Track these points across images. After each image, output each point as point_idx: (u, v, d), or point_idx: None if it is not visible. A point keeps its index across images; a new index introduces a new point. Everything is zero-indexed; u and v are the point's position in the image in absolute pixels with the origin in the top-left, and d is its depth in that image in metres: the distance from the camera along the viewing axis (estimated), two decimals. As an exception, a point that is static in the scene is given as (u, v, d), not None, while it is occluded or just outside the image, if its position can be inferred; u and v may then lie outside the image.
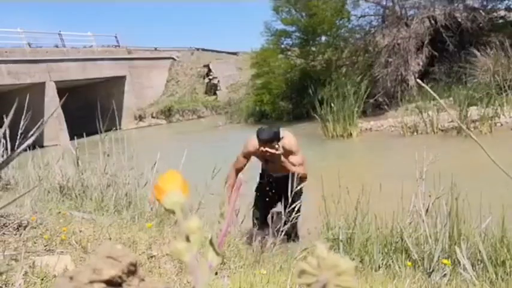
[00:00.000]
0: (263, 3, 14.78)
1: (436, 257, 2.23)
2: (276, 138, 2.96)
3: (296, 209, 2.84)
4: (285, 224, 2.85)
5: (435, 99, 7.82)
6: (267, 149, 2.95)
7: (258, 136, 3.00)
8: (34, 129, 0.66)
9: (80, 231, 2.33)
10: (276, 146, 2.96)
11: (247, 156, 3.18)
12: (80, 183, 3.55)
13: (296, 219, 2.87)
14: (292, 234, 3.11)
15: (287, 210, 2.84)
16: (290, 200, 2.95)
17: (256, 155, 3.18)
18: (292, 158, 3.09)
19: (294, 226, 3.04)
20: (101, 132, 3.78)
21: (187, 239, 0.29)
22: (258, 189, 3.41)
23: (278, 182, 3.22)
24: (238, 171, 3.19)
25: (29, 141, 0.65)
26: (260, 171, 3.46)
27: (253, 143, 3.08)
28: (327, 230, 2.77)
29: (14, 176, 4.02)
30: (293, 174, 3.26)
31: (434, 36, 11.28)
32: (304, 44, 13.40)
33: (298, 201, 2.86)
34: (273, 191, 3.30)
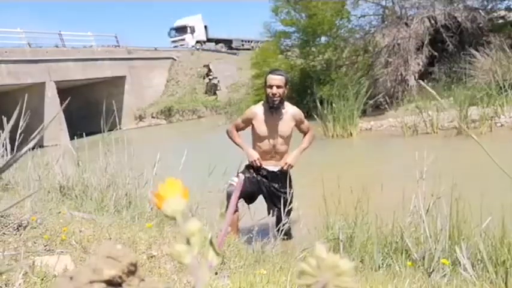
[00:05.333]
0: (264, 2, 14.73)
1: (436, 257, 2.23)
2: (286, 80, 3.13)
3: (289, 209, 2.89)
4: (278, 223, 2.88)
5: (435, 99, 7.81)
6: (274, 87, 3.07)
7: (270, 72, 3.20)
8: (35, 133, 0.66)
9: (80, 231, 2.33)
10: (283, 90, 3.13)
11: (245, 122, 3.26)
12: (80, 183, 3.55)
13: (288, 215, 2.90)
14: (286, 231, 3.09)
15: (286, 209, 2.85)
16: (288, 200, 2.99)
17: (255, 119, 3.20)
18: (302, 126, 3.27)
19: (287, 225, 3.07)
20: (103, 131, 3.79)
21: (188, 242, 0.29)
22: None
23: (268, 178, 3.24)
24: (237, 129, 3.30)
25: (30, 144, 0.64)
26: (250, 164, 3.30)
27: (252, 110, 3.25)
28: (327, 230, 2.77)
29: (14, 176, 4.01)
30: (287, 170, 3.29)
31: (434, 36, 11.28)
32: (304, 44, 13.39)
33: (291, 204, 2.98)
34: (263, 188, 3.27)
